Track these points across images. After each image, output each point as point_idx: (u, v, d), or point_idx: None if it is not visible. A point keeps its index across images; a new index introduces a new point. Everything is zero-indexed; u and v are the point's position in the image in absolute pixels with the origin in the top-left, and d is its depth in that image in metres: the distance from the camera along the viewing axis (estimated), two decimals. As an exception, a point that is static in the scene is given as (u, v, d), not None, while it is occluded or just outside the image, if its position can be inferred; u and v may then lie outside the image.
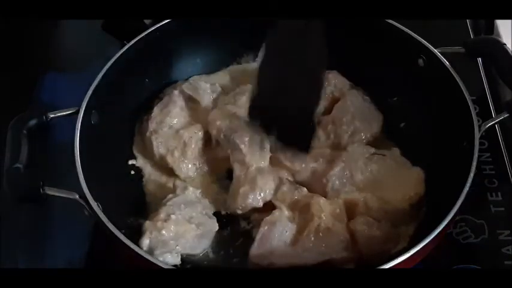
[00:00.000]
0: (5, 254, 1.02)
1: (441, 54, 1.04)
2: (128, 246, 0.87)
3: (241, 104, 1.05)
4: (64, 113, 1.00)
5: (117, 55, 1.06)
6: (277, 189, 0.99)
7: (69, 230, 1.04)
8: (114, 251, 0.92)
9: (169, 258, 0.92)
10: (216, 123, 1.03)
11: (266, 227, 0.93)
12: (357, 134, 1.06)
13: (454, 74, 1.01)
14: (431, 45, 1.05)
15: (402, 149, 1.06)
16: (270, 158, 1.02)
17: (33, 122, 0.97)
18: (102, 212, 0.89)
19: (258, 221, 0.96)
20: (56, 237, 1.06)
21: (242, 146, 1.00)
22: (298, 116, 0.94)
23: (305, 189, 0.99)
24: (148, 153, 1.07)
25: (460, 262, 0.97)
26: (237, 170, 1.01)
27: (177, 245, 0.94)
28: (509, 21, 1.25)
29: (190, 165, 1.05)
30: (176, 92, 1.10)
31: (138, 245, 0.90)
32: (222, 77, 1.18)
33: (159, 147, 1.05)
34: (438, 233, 0.86)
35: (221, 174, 1.06)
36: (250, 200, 0.98)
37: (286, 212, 0.95)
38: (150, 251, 0.92)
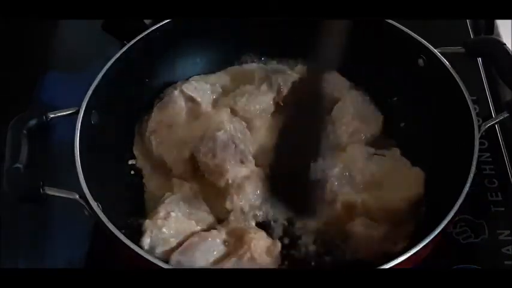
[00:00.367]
0: (5, 254, 1.02)
1: (441, 54, 1.04)
2: (128, 246, 0.87)
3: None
4: (64, 113, 1.00)
5: (117, 55, 1.06)
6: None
7: (69, 230, 1.04)
8: (114, 251, 0.92)
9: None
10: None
11: (196, 239, 0.93)
12: (357, 134, 1.06)
13: (454, 74, 1.01)
14: (431, 45, 1.05)
15: (402, 149, 1.05)
16: None
17: (33, 122, 0.97)
18: (102, 212, 0.89)
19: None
20: (56, 237, 1.06)
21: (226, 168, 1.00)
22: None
23: (253, 223, 0.98)
24: (148, 153, 1.07)
25: (460, 262, 0.97)
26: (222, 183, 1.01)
27: (178, 243, 0.93)
28: (509, 21, 1.25)
29: (189, 166, 1.05)
30: (176, 92, 1.10)
31: (139, 245, 0.90)
32: (222, 77, 1.18)
33: (158, 147, 1.05)
34: (438, 233, 0.86)
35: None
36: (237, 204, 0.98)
37: (223, 235, 0.94)
38: (152, 250, 0.92)
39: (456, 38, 1.16)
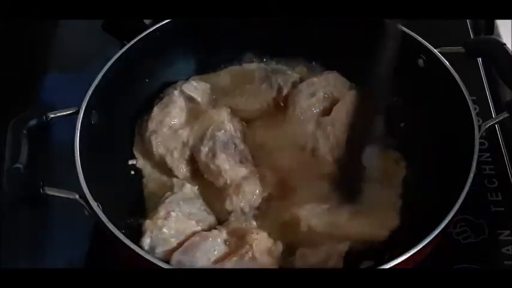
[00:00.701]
0: (5, 254, 1.02)
1: (441, 54, 1.04)
2: (128, 246, 0.87)
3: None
4: (64, 113, 1.00)
5: (117, 55, 1.06)
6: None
7: (69, 230, 1.04)
8: (114, 251, 0.92)
9: None
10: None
11: (197, 238, 0.93)
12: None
13: (454, 74, 1.01)
14: (431, 45, 1.05)
15: (402, 149, 1.06)
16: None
17: (33, 122, 0.97)
18: (102, 212, 0.89)
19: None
20: (56, 237, 1.06)
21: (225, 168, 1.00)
22: None
23: (254, 222, 0.98)
24: (148, 154, 1.07)
25: (460, 262, 0.97)
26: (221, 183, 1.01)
27: (178, 243, 0.93)
28: (509, 21, 1.25)
29: (189, 166, 1.05)
30: (176, 92, 1.10)
31: (140, 245, 0.90)
32: (222, 77, 1.18)
33: (158, 147, 1.05)
34: (438, 233, 0.86)
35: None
36: (238, 204, 0.98)
37: (224, 235, 0.94)
38: (152, 250, 0.92)
39: (456, 38, 1.16)
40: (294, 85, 1.12)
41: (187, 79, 1.15)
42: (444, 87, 1.02)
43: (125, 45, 1.09)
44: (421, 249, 0.85)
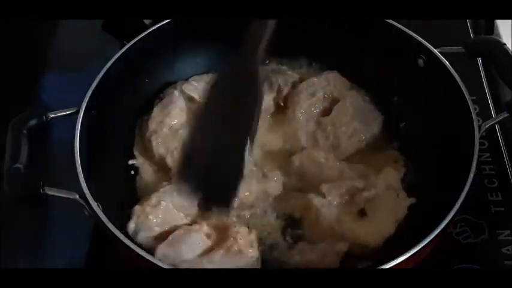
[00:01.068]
0: (5, 254, 1.02)
1: (441, 54, 1.04)
2: (128, 246, 0.87)
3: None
4: (64, 113, 1.00)
5: (117, 55, 1.06)
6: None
7: (69, 230, 1.04)
8: (114, 251, 0.92)
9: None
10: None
11: (182, 231, 0.94)
12: (357, 135, 1.06)
13: (454, 74, 1.01)
14: (431, 45, 1.05)
15: (402, 149, 1.06)
16: None
17: (33, 122, 0.97)
18: (102, 212, 0.89)
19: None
20: (56, 237, 1.06)
21: None
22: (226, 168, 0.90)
23: (234, 218, 0.98)
24: (148, 153, 1.07)
25: (460, 262, 0.97)
26: None
27: (162, 233, 0.94)
28: (509, 21, 1.25)
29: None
30: (176, 92, 1.10)
31: (125, 229, 0.91)
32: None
33: (158, 147, 1.05)
34: (438, 233, 0.86)
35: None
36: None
37: (205, 228, 0.94)
38: (134, 235, 0.93)
39: (456, 38, 1.16)
40: (294, 85, 1.12)
41: (187, 79, 1.15)
42: (444, 87, 1.02)
43: (124, 45, 1.09)
44: (421, 249, 0.85)
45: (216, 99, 0.91)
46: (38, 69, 1.28)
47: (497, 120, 1.00)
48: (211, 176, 0.89)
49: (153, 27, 1.11)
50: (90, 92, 1.01)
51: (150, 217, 0.94)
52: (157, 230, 0.94)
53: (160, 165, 1.05)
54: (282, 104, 1.12)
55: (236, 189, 0.89)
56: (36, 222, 1.06)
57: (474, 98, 1.01)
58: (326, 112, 1.09)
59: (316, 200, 0.96)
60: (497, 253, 0.99)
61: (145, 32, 1.10)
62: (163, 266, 0.85)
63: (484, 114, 1.12)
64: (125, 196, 1.02)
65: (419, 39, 1.06)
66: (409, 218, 0.96)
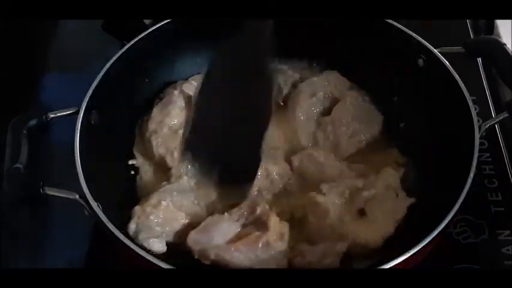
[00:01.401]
0: (5, 254, 1.02)
1: (441, 54, 1.04)
2: (128, 246, 0.87)
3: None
4: (64, 113, 1.00)
5: (117, 55, 1.06)
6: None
7: (69, 230, 1.04)
8: (114, 251, 0.92)
9: (155, 245, 0.93)
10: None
11: (215, 218, 0.95)
12: (357, 136, 1.06)
13: (454, 74, 1.01)
14: (431, 45, 1.05)
15: (402, 149, 1.06)
16: None
17: (33, 122, 0.97)
18: (102, 212, 0.89)
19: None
20: (56, 237, 1.06)
21: None
22: (243, 148, 0.89)
23: (267, 207, 0.98)
24: (148, 154, 1.07)
25: (460, 262, 0.97)
26: None
27: (163, 232, 0.94)
28: (509, 21, 1.25)
29: (189, 166, 1.05)
30: (176, 92, 1.10)
31: (126, 230, 0.91)
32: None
33: (158, 147, 1.05)
34: (438, 233, 0.86)
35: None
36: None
37: (238, 217, 0.95)
38: (135, 236, 0.93)
39: (456, 38, 1.16)
40: (294, 85, 1.12)
41: (187, 79, 1.15)
42: (444, 87, 1.02)
43: (125, 45, 1.09)
44: (421, 249, 0.85)
45: (222, 76, 0.88)
46: (38, 69, 1.28)
47: (497, 120, 1.00)
48: (227, 154, 0.89)
49: (153, 27, 1.11)
50: (90, 92, 1.01)
51: (151, 217, 0.94)
52: (159, 230, 0.94)
53: (160, 165, 1.06)
54: (282, 104, 1.12)
55: (256, 169, 0.90)
56: (36, 222, 1.06)
57: (474, 98, 1.01)
58: (326, 112, 1.10)
59: (318, 198, 0.96)
60: (497, 253, 0.99)
61: (145, 32, 1.10)
62: (163, 266, 0.85)
63: (484, 114, 1.12)
64: (125, 196, 1.02)
65: (419, 39, 1.06)
66: (409, 218, 0.96)
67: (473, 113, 0.97)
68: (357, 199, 0.97)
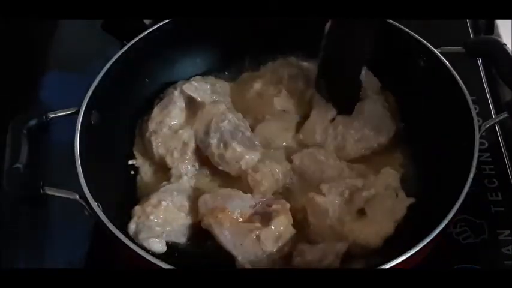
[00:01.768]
0: (5, 254, 1.02)
1: (441, 54, 1.04)
2: (128, 246, 0.87)
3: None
4: (64, 113, 1.00)
5: (117, 55, 1.06)
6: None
7: (69, 230, 1.05)
8: (114, 251, 0.92)
9: (155, 245, 0.93)
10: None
11: (233, 192, 0.97)
12: (363, 142, 1.05)
13: (454, 74, 1.01)
14: (431, 45, 1.05)
15: (402, 149, 1.06)
16: None
17: (33, 122, 0.97)
18: (102, 212, 0.89)
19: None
20: (56, 237, 1.06)
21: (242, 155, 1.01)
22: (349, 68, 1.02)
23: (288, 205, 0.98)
24: (148, 154, 1.07)
25: (460, 262, 0.98)
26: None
27: (163, 232, 0.95)
28: (509, 21, 1.25)
29: (189, 166, 1.05)
30: (176, 92, 1.10)
31: (126, 230, 0.91)
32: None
33: (158, 147, 1.05)
34: (438, 233, 0.86)
35: (220, 175, 1.05)
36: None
37: (253, 201, 0.96)
38: (135, 236, 0.93)
39: (456, 38, 1.16)
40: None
41: (187, 79, 1.15)
42: (444, 87, 1.02)
43: (125, 45, 1.09)
44: (421, 249, 0.85)
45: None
46: (38, 69, 1.28)
47: (497, 120, 1.00)
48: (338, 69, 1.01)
49: (153, 27, 1.11)
50: (90, 92, 1.01)
51: (151, 217, 0.95)
52: (159, 230, 0.94)
53: (160, 165, 1.06)
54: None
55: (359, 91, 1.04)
56: (36, 222, 1.06)
57: (474, 98, 1.01)
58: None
59: (318, 198, 0.96)
60: (497, 253, 0.99)
61: (145, 32, 1.10)
62: (163, 266, 0.85)
63: (484, 114, 1.12)
64: (125, 196, 1.02)
65: (420, 39, 1.06)
66: (409, 218, 0.96)
67: (473, 113, 0.97)
68: (356, 199, 0.97)
